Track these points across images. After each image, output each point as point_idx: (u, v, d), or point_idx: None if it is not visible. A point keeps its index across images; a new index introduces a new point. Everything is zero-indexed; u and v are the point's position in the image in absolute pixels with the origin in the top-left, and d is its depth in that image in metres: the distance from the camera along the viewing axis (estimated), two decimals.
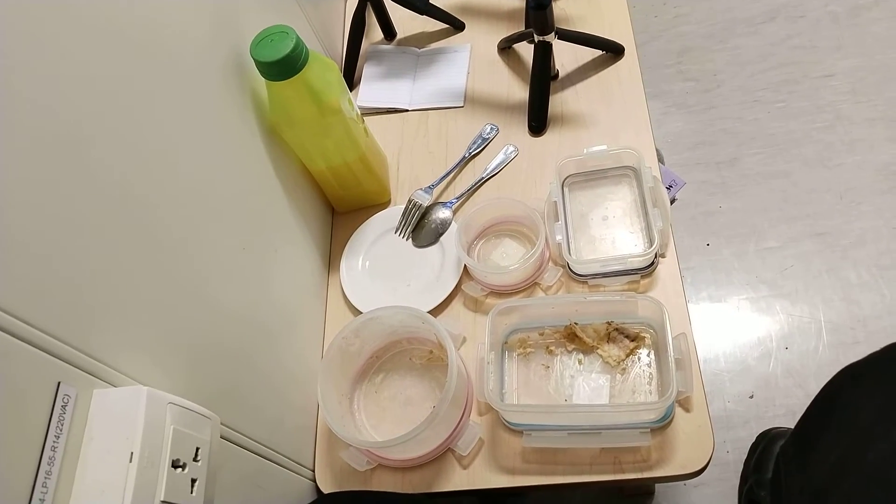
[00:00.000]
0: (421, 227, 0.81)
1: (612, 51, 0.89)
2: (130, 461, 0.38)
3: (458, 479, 0.66)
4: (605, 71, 0.89)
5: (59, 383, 0.38)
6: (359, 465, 0.67)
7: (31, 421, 0.36)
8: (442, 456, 0.67)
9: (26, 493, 0.35)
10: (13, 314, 0.35)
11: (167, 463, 0.40)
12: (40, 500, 0.35)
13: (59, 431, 0.37)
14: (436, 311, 0.75)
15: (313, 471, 0.70)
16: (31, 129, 0.38)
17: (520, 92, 0.90)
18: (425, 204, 0.81)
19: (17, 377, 0.35)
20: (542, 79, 0.85)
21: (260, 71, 0.64)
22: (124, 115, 0.46)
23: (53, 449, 0.37)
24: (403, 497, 0.65)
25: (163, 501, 0.39)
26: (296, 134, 0.71)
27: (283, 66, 0.63)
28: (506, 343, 0.72)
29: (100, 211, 0.42)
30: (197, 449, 0.44)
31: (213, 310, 0.55)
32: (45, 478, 0.36)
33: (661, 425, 0.64)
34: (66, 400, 0.38)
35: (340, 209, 0.86)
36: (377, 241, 0.82)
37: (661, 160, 0.80)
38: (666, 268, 0.73)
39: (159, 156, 0.49)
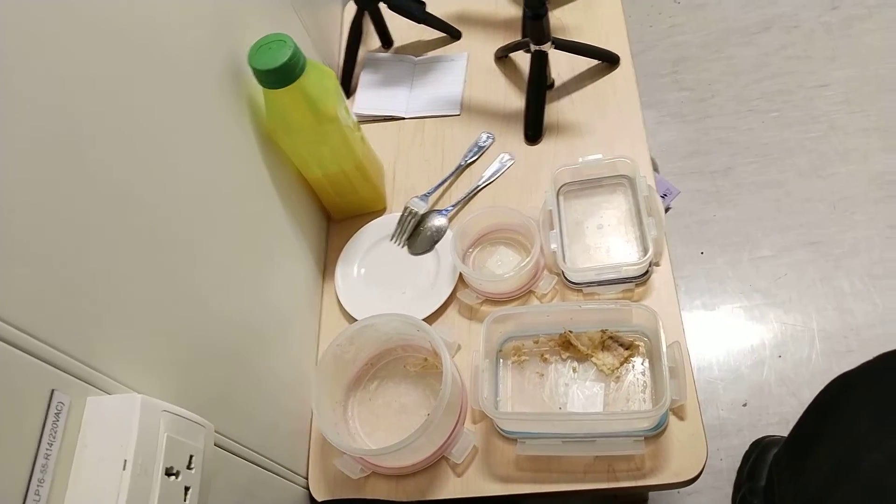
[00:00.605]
0: (416, 235, 0.81)
1: (608, 60, 0.90)
2: (124, 469, 0.38)
3: (451, 487, 0.66)
4: (601, 80, 0.90)
5: (52, 391, 0.38)
6: (352, 473, 0.67)
7: (24, 428, 0.36)
8: (436, 464, 0.67)
9: (19, 501, 0.35)
10: (7, 321, 0.35)
11: (161, 471, 0.40)
12: None
13: (52, 439, 0.37)
14: (431, 319, 0.75)
15: (307, 478, 0.70)
16: (28, 135, 0.38)
17: (516, 101, 0.90)
18: (421, 211, 0.82)
19: (11, 384, 0.35)
20: (538, 88, 0.86)
21: (257, 79, 0.64)
22: (120, 122, 0.46)
23: (47, 456, 0.37)
24: None
25: None
26: (292, 141, 0.71)
27: (281, 74, 0.63)
28: (500, 351, 0.72)
29: (94, 218, 0.42)
30: (191, 457, 0.44)
31: (208, 316, 0.55)
32: (38, 485, 0.36)
33: (655, 433, 0.64)
34: (59, 407, 0.38)
35: (336, 216, 0.86)
36: (372, 248, 0.82)
37: (655, 169, 0.80)
38: (660, 276, 0.73)
39: (155, 162, 0.50)
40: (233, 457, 0.55)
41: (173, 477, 0.41)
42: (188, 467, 0.43)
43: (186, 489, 0.43)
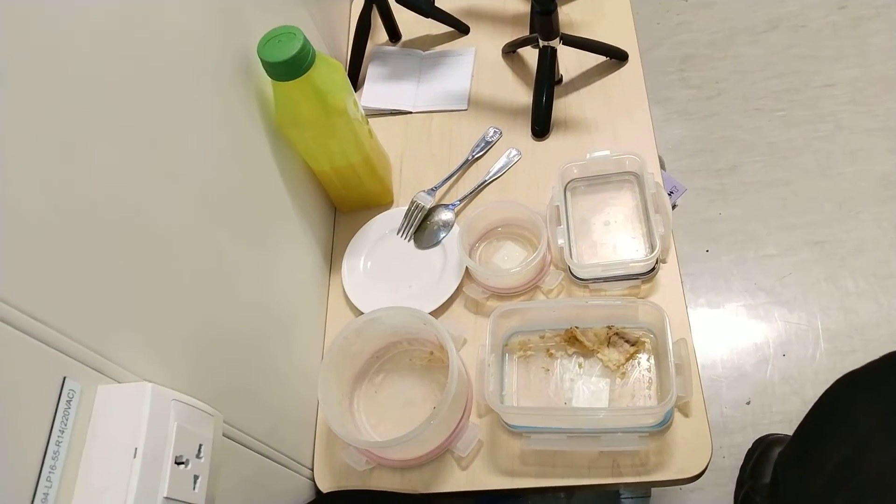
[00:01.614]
0: (423, 229, 0.82)
1: (616, 57, 0.90)
2: (134, 457, 0.39)
3: (456, 480, 0.66)
4: (609, 77, 0.89)
5: (64, 378, 0.38)
6: (358, 465, 0.67)
7: (35, 415, 0.36)
8: (441, 457, 0.67)
9: (30, 488, 0.35)
10: (19, 308, 0.35)
11: (170, 459, 0.40)
12: (44, 494, 0.35)
13: (63, 426, 0.38)
14: (437, 313, 0.75)
15: (312, 469, 0.70)
16: (36, 123, 0.38)
17: (524, 96, 0.90)
18: (428, 206, 0.82)
19: (23, 372, 0.35)
20: (546, 83, 0.86)
21: (267, 71, 0.64)
22: (131, 112, 0.46)
23: (58, 444, 0.37)
24: (401, 497, 0.66)
25: (166, 498, 0.39)
26: (301, 134, 0.71)
27: (290, 66, 0.63)
28: (506, 345, 0.72)
29: (105, 206, 0.42)
30: (200, 446, 0.44)
31: (216, 307, 0.55)
32: (50, 472, 0.36)
33: (660, 430, 0.65)
34: (70, 395, 0.38)
35: (343, 209, 0.86)
36: (379, 242, 0.82)
37: (662, 166, 0.80)
38: (666, 273, 0.73)
39: (166, 152, 0.50)
40: (240, 447, 0.56)
41: (182, 465, 0.42)
42: (197, 456, 0.43)
43: (195, 478, 0.43)
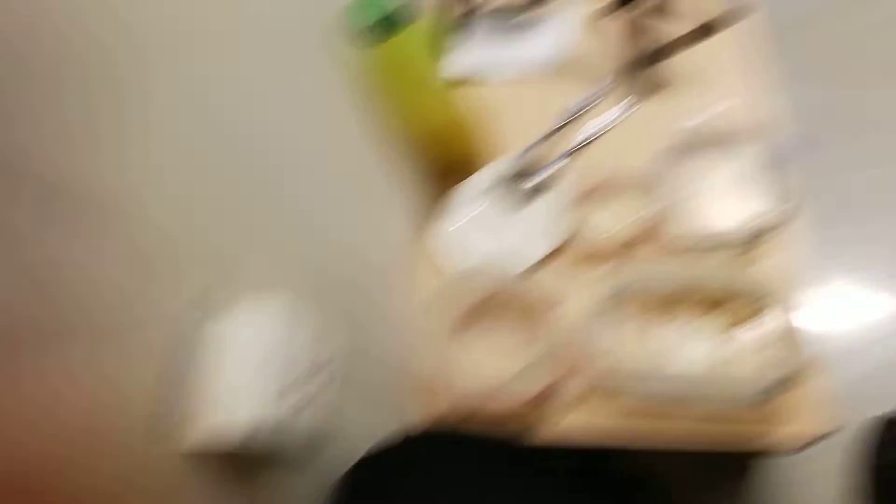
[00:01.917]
0: (522, 189, 0.81)
1: (737, 8, 0.84)
2: (263, 371, 0.41)
3: (552, 434, 0.67)
4: (728, 31, 0.84)
5: (201, 290, 0.41)
6: (456, 411, 0.69)
7: (174, 321, 0.40)
8: (538, 409, 0.68)
9: (158, 399, 0.38)
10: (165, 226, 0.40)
11: (298, 374, 0.43)
12: (171, 405, 0.38)
13: (193, 338, 0.40)
14: (537, 269, 0.75)
15: (412, 412, 0.72)
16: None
17: (628, 54, 0.86)
18: (526, 166, 0.81)
19: (169, 279, 0.39)
20: (654, 40, 0.82)
21: (357, 33, 0.64)
22: (237, 85, 0.49)
23: (188, 354, 0.40)
24: (491, 444, 0.66)
25: (294, 405, 0.42)
26: (392, 96, 0.72)
27: (382, 28, 0.63)
28: (609, 304, 0.71)
29: (245, 165, 0.48)
30: (325, 362, 0.47)
31: (330, 257, 0.60)
32: (178, 384, 0.39)
33: (770, 396, 0.62)
34: (204, 308, 0.41)
35: (439, 171, 0.86)
36: (476, 202, 0.82)
37: (784, 126, 0.75)
38: (785, 238, 0.69)
39: (268, 120, 0.53)
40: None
41: (310, 379, 0.45)
42: (322, 372, 0.46)
43: (319, 392, 0.46)
